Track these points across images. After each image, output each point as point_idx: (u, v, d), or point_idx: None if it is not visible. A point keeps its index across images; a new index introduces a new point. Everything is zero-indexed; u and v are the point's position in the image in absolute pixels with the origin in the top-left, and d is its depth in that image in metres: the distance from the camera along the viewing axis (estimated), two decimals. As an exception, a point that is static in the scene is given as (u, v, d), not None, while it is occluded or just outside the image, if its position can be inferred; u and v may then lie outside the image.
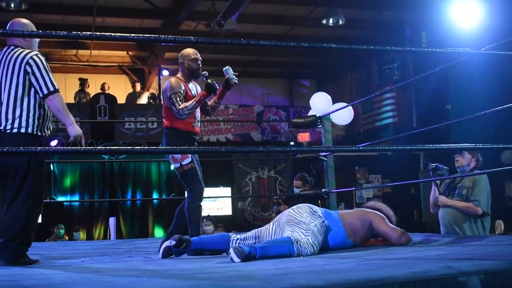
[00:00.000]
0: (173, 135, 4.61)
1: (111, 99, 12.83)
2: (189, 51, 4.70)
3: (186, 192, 4.69)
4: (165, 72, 14.00)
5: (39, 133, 3.78)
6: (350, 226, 3.99)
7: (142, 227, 11.97)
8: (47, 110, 3.81)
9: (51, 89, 3.71)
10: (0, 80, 3.76)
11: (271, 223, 4.01)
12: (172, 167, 11.96)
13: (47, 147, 3.00)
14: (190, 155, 4.52)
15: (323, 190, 6.48)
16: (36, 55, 3.77)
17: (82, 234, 11.45)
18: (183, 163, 4.53)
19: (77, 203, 11.86)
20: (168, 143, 4.62)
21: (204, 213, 12.87)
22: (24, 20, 3.88)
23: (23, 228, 3.63)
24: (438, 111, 11.63)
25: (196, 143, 4.74)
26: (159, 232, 11.84)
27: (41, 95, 3.71)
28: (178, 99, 4.47)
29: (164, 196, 12.15)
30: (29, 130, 3.72)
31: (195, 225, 4.56)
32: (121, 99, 13.41)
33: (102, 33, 2.58)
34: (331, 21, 10.91)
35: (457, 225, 5.04)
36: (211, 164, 11.68)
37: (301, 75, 16.55)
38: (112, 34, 2.51)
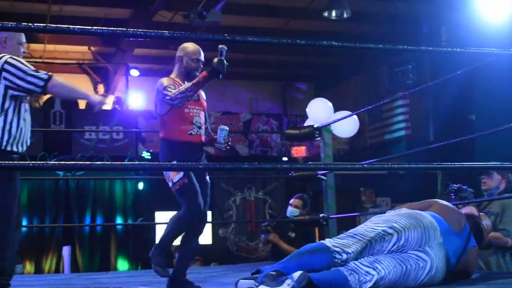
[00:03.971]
0: (165, 147, 4.64)
1: (69, 103, 12.78)
2: (191, 47, 4.69)
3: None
4: (134, 72, 14.00)
5: (10, 149, 3.89)
6: None
7: (103, 258, 11.89)
8: (21, 122, 3.92)
9: (45, 77, 3.85)
10: None
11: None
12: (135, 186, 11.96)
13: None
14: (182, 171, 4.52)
15: (321, 215, 6.49)
16: (10, 57, 3.89)
17: (29, 267, 11.35)
18: (175, 180, 4.52)
19: (24, 228, 11.77)
20: (162, 157, 4.67)
21: (177, 242, 12.88)
22: None
23: None
24: (460, 123, 11.66)
25: (199, 155, 4.73)
26: (123, 265, 11.78)
27: (39, 90, 3.85)
28: (170, 89, 4.48)
29: (130, 221, 12.10)
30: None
31: (169, 239, 4.65)
32: (81, 104, 13.37)
33: (58, 25, 2.56)
34: (334, 13, 10.95)
35: (482, 259, 5.06)
36: (188, 183, 11.64)
37: (297, 77, 16.59)
38: (70, 26, 2.50)
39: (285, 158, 13.74)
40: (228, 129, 4.79)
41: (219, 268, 7.58)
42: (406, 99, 12.84)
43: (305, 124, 7.11)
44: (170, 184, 4.56)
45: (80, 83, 14.74)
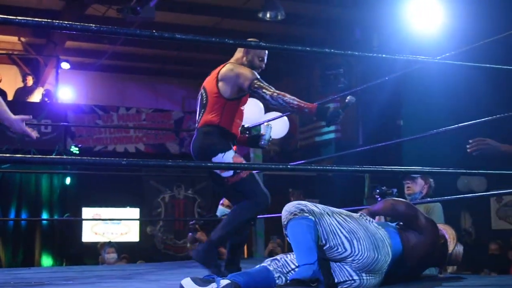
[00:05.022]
0: (218, 134, 4.39)
1: (-5, 94, 12.50)
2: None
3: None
4: (65, 65, 13.77)
5: None
6: None
7: (27, 254, 11.65)
8: None
9: None
10: None
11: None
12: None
13: None
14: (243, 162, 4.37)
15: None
16: None
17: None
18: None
19: None
20: (209, 144, 4.38)
21: (104, 238, 12.72)
22: None
23: None
24: (388, 127, 11.90)
25: None
26: (47, 261, 11.56)
27: None
28: (265, 83, 4.30)
29: (56, 217, 11.89)
30: None
31: (228, 234, 4.34)
32: (9, 96, 13.09)
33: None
34: (268, 14, 11.03)
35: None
36: (117, 180, 11.53)
37: (231, 76, 16.57)
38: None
39: (216, 157, 13.72)
40: (272, 126, 4.78)
41: (145, 265, 7.52)
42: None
43: (236, 124, 7.11)
44: (230, 173, 4.34)
45: (9, 75, 14.44)
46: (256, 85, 4.28)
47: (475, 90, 9.62)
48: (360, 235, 3.51)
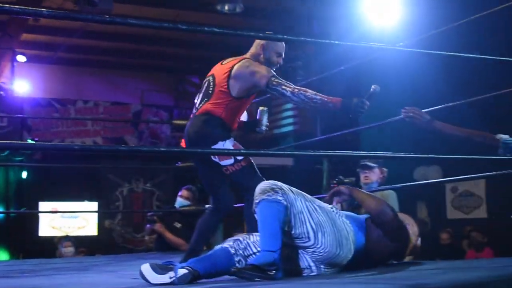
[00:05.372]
0: (218, 125, 4.34)
1: None
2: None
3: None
4: (21, 58, 13.58)
5: None
6: None
7: (-18, 248, 11.51)
8: None
9: None
10: None
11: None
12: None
13: None
14: (241, 149, 4.34)
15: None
16: None
17: None
18: (240, 157, 4.29)
19: None
20: (208, 132, 4.34)
21: (62, 232, 12.60)
22: None
23: None
24: (346, 120, 11.94)
25: None
26: (3, 255, 11.42)
27: None
28: (283, 81, 4.24)
29: (12, 210, 11.75)
30: None
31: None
32: (-39, 89, 12.91)
33: None
34: (226, 7, 11.00)
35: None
36: (74, 174, 11.43)
37: (190, 70, 16.53)
38: None
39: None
40: (267, 110, 4.71)
41: (102, 257, 7.47)
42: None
43: (194, 116, 7.10)
44: (231, 161, 4.29)
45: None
46: (274, 83, 4.23)
47: (432, 80, 9.74)
48: (326, 229, 3.51)
